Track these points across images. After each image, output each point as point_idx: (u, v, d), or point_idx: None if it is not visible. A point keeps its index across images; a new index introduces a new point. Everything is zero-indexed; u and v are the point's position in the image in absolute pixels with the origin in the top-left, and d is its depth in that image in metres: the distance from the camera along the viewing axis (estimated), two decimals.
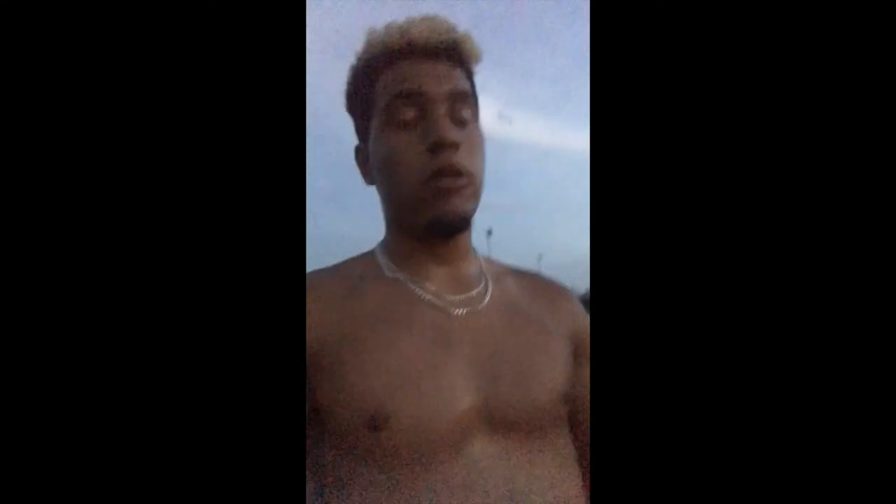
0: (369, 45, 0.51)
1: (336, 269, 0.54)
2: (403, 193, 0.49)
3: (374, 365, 0.44)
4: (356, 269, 0.53)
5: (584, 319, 0.56)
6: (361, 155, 0.55)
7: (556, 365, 0.50)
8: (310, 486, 0.45)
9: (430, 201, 0.48)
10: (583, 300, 0.60)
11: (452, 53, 0.50)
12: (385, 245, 0.55)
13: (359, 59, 0.52)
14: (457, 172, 0.47)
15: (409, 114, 0.48)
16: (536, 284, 0.58)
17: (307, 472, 0.45)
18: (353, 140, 0.57)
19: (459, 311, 0.49)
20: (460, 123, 0.49)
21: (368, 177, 0.55)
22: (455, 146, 0.47)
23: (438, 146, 0.46)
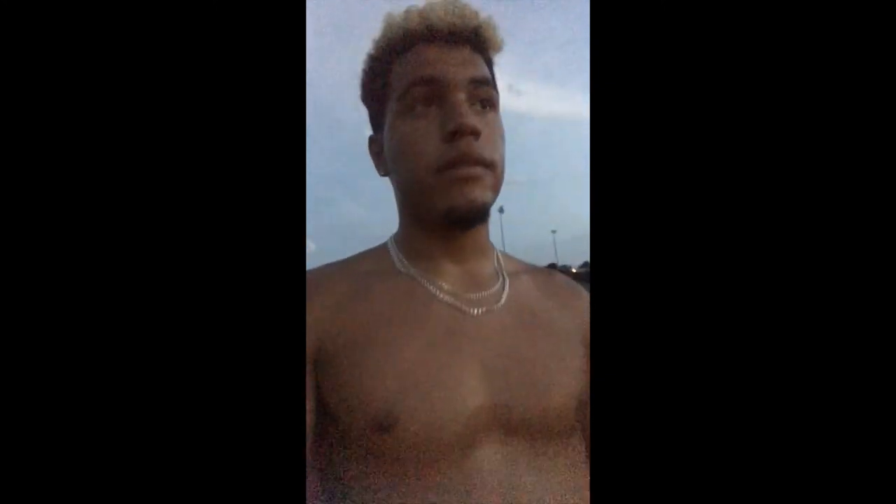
0: (388, 29, 0.49)
1: (348, 263, 0.53)
2: (419, 182, 0.47)
3: (384, 365, 0.43)
4: (368, 264, 0.52)
5: None
6: (375, 145, 0.54)
7: (569, 370, 0.48)
8: (317, 486, 0.45)
9: (446, 190, 0.46)
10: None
11: (474, 39, 0.48)
12: (398, 238, 0.54)
13: (376, 46, 0.50)
14: (476, 161, 0.45)
15: (428, 100, 0.46)
16: (552, 284, 0.57)
17: (315, 472, 0.45)
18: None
19: (476, 311, 0.48)
20: (481, 111, 0.48)
21: (382, 167, 0.53)
22: (475, 133, 0.45)
23: (458, 133, 0.45)
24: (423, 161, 0.46)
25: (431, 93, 0.46)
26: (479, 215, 0.48)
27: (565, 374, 0.47)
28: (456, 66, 0.47)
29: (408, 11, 0.48)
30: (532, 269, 0.58)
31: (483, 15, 0.49)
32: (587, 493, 0.45)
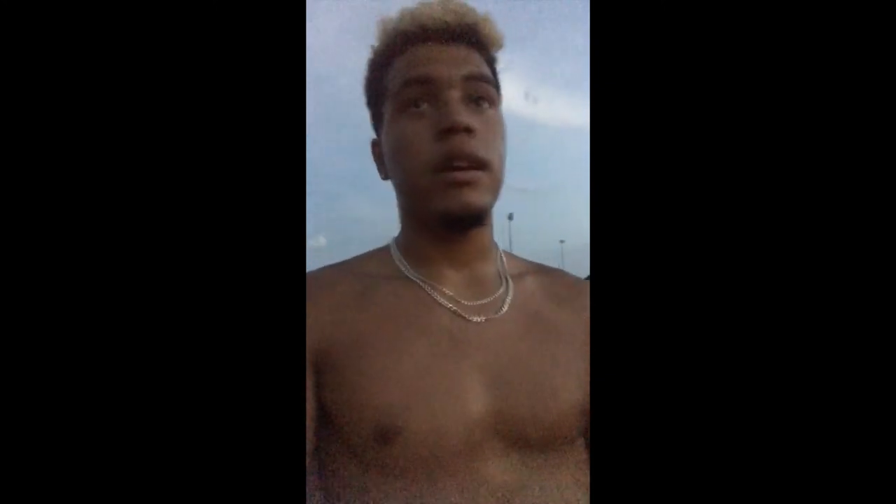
0: (383, 33, 0.49)
1: (350, 266, 0.53)
2: (414, 184, 0.46)
3: (385, 372, 0.43)
4: (371, 267, 0.51)
5: None
6: (377, 148, 0.53)
7: (574, 377, 0.47)
8: (316, 493, 0.44)
9: (441, 193, 0.45)
10: None
11: (470, 37, 0.48)
12: (400, 241, 0.53)
13: (374, 50, 0.51)
14: (470, 160, 0.44)
15: (421, 99, 0.46)
16: (558, 284, 0.55)
17: (314, 478, 0.45)
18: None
19: (478, 319, 0.47)
20: (477, 109, 0.47)
21: (384, 170, 0.53)
22: (469, 131, 0.44)
23: (450, 131, 0.44)
24: (417, 161, 0.45)
25: (425, 92, 0.46)
26: (475, 218, 0.47)
27: (570, 380, 0.46)
28: (449, 63, 0.46)
29: (401, 13, 0.48)
30: (538, 269, 0.57)
31: (480, 11, 0.48)
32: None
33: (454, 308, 0.48)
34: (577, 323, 0.51)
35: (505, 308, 0.49)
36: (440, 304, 0.48)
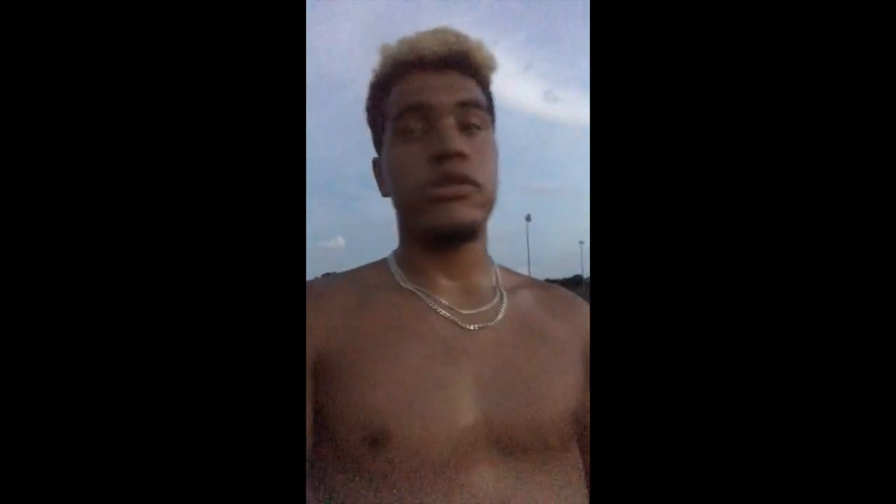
0: (383, 59, 0.52)
1: (349, 276, 0.54)
2: (408, 202, 0.49)
3: (379, 379, 0.44)
4: (369, 278, 0.53)
5: None
6: (378, 168, 0.56)
7: (567, 384, 0.48)
8: (310, 496, 0.45)
9: (432, 209, 0.47)
10: None
11: (463, 63, 0.50)
12: (398, 255, 0.55)
13: (375, 74, 0.53)
14: (462, 180, 0.47)
15: (417, 125, 0.48)
16: (553, 298, 0.57)
17: (308, 484, 0.45)
18: None
19: (473, 327, 0.49)
20: (470, 134, 0.49)
21: (384, 188, 0.55)
22: (461, 156, 0.46)
23: (443, 156, 0.46)
24: (412, 181, 0.48)
25: (421, 118, 0.48)
26: (465, 233, 0.49)
27: (563, 389, 0.47)
28: (443, 91, 0.48)
29: (400, 42, 0.50)
30: (532, 284, 0.59)
31: (472, 39, 0.51)
32: None
33: (450, 316, 0.49)
34: (571, 333, 0.52)
35: (499, 317, 0.50)
36: (436, 312, 0.49)
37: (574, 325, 0.53)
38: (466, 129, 0.49)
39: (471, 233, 0.50)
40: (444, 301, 0.50)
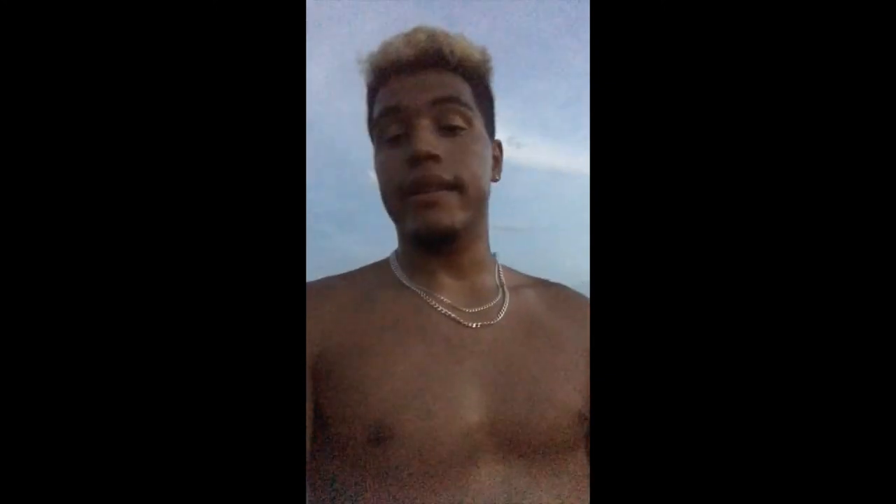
0: (369, 69, 0.52)
1: (351, 275, 0.54)
2: (391, 206, 0.50)
3: (381, 376, 0.43)
4: (371, 277, 0.53)
5: None
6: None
7: (572, 382, 0.47)
8: (312, 497, 0.44)
9: (409, 214, 0.47)
10: None
11: (438, 61, 0.49)
12: (399, 255, 0.54)
13: (367, 85, 0.54)
14: (436, 184, 0.46)
15: (395, 130, 0.48)
16: (558, 296, 0.56)
17: (309, 483, 0.44)
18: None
19: (475, 324, 0.48)
20: (449, 132, 0.48)
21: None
22: (434, 158, 0.46)
23: (415, 160, 0.46)
24: (391, 186, 0.48)
25: (398, 121, 0.48)
26: (446, 237, 0.48)
27: (567, 388, 0.47)
28: (416, 92, 0.48)
29: (379, 48, 0.51)
30: (536, 283, 0.58)
31: (447, 35, 0.50)
32: None
33: (451, 314, 0.48)
34: (575, 331, 0.51)
35: (502, 315, 0.50)
36: (437, 311, 0.49)
37: (579, 322, 0.53)
38: (447, 129, 0.48)
39: (453, 236, 0.49)
40: (445, 299, 0.50)
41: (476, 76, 0.52)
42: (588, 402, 0.47)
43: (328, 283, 0.52)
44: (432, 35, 0.49)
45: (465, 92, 0.50)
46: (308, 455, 0.44)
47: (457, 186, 0.47)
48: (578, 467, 0.46)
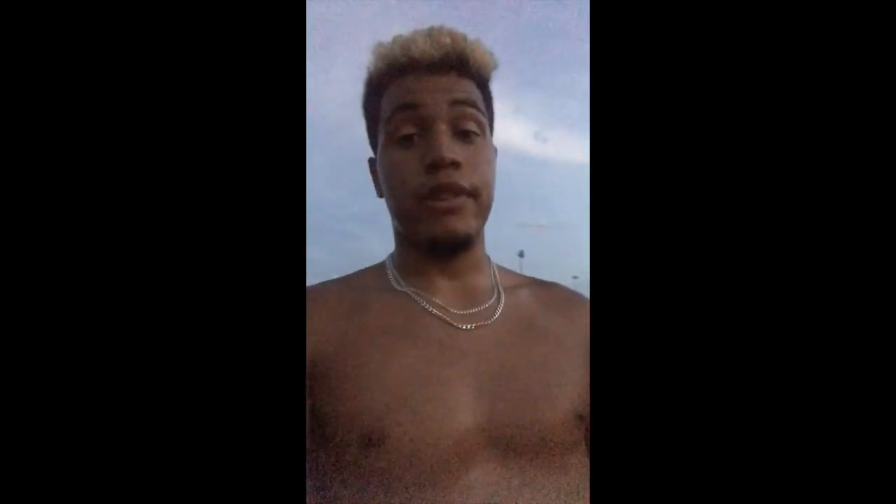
0: (376, 59, 0.51)
1: (346, 280, 0.54)
2: (402, 209, 0.49)
3: (374, 380, 0.43)
4: (365, 281, 0.53)
5: None
6: (374, 167, 0.55)
7: (568, 383, 0.46)
8: (307, 499, 0.44)
9: (425, 220, 0.47)
10: None
11: (459, 64, 0.49)
12: (394, 257, 0.54)
13: (369, 73, 0.52)
14: (456, 191, 0.46)
15: (409, 129, 0.48)
16: (554, 296, 0.56)
17: (307, 486, 0.44)
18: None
19: (468, 326, 0.48)
20: (464, 138, 0.48)
21: (379, 188, 0.54)
22: (455, 164, 0.46)
23: (436, 166, 0.46)
24: (406, 189, 0.48)
25: (414, 120, 0.48)
26: (461, 243, 0.49)
27: (564, 388, 0.46)
28: (436, 93, 0.47)
29: (393, 42, 0.50)
30: (532, 283, 0.58)
31: (468, 39, 0.50)
32: None
33: (445, 317, 0.48)
34: (572, 331, 0.51)
35: (496, 316, 0.50)
36: (431, 313, 0.49)
37: (575, 322, 0.52)
38: (463, 134, 0.48)
39: (466, 242, 0.50)
40: (437, 301, 0.50)
41: (486, 82, 0.52)
42: (586, 403, 0.46)
43: (323, 288, 0.52)
44: (455, 37, 0.49)
45: (479, 97, 0.50)
46: (305, 458, 0.44)
47: (473, 193, 0.47)
48: (575, 469, 0.45)
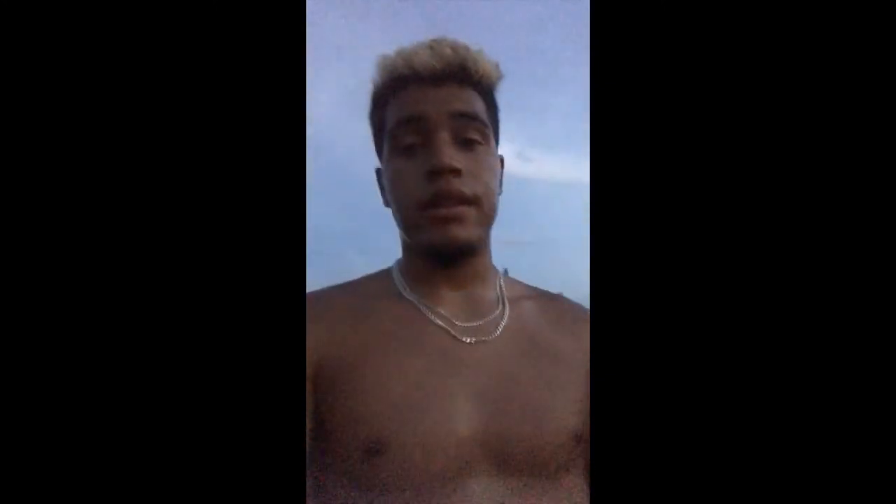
0: (380, 71, 0.51)
1: (351, 286, 0.54)
2: (405, 217, 0.49)
3: (376, 389, 0.44)
4: (371, 288, 0.53)
5: None
6: (380, 177, 0.55)
7: (569, 400, 0.46)
8: None
9: (426, 228, 0.47)
10: None
11: (461, 75, 0.49)
12: (401, 264, 0.55)
13: (373, 85, 0.53)
14: (456, 198, 0.46)
15: (412, 139, 0.48)
16: (559, 309, 0.56)
17: (308, 493, 0.45)
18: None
19: (469, 340, 0.48)
20: (466, 146, 0.48)
21: (385, 198, 0.54)
22: (455, 172, 0.46)
23: (436, 173, 0.46)
24: (409, 198, 0.48)
25: (417, 131, 0.48)
26: (463, 251, 0.49)
27: (564, 404, 0.46)
28: (437, 103, 0.48)
29: (396, 55, 0.50)
30: (538, 295, 0.57)
31: (471, 50, 0.50)
32: None
33: (448, 328, 0.49)
34: (576, 347, 0.51)
35: (499, 330, 0.50)
36: (435, 324, 0.49)
37: (579, 338, 0.52)
38: (464, 143, 0.48)
39: (470, 250, 0.50)
40: (442, 312, 0.50)
41: (490, 92, 0.53)
42: (585, 422, 0.46)
43: (327, 295, 0.52)
44: (457, 48, 0.49)
45: (482, 107, 0.51)
46: (306, 467, 0.44)
47: (474, 202, 0.47)
48: (572, 486, 0.45)
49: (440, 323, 0.49)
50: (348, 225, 7.37)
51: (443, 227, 0.47)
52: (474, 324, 0.50)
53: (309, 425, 0.45)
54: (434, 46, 0.49)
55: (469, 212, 0.47)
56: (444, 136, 0.47)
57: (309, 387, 0.45)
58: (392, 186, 0.50)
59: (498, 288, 0.55)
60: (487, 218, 0.50)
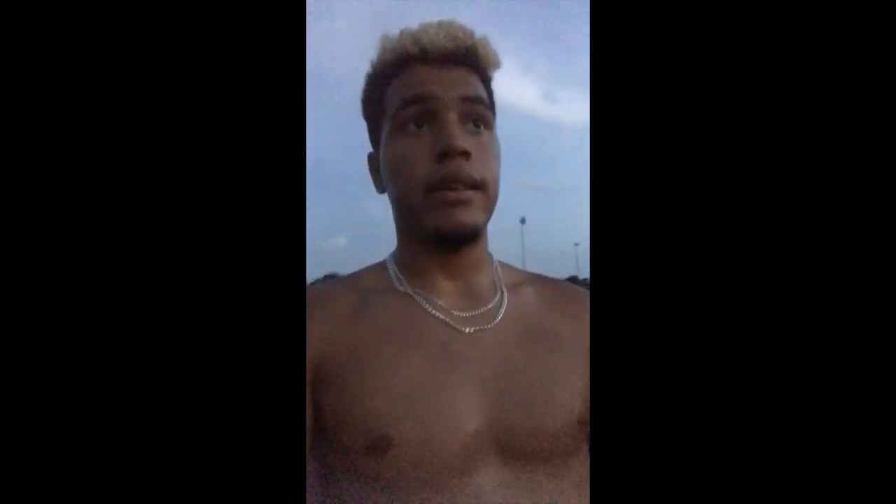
0: (383, 51, 0.50)
1: (349, 280, 0.54)
2: (409, 201, 0.48)
3: (378, 384, 0.43)
4: (368, 281, 0.53)
5: None
6: (374, 162, 0.55)
7: (572, 386, 0.46)
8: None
9: (435, 211, 0.46)
10: None
11: (467, 59, 0.49)
12: (396, 256, 0.54)
13: (373, 66, 0.52)
14: (465, 182, 0.46)
15: (420, 119, 0.47)
16: (559, 294, 0.55)
17: (311, 491, 0.45)
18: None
19: (470, 330, 0.48)
20: (473, 131, 0.48)
21: (380, 185, 0.54)
22: (465, 154, 0.46)
23: (447, 155, 0.45)
24: (413, 180, 0.47)
25: (423, 112, 0.47)
26: (468, 236, 0.49)
27: (567, 390, 0.46)
28: (447, 85, 0.47)
29: (402, 34, 0.49)
30: (535, 280, 0.57)
31: (477, 35, 0.50)
32: None
33: (447, 319, 0.48)
34: (576, 332, 0.51)
35: (498, 318, 0.49)
36: (433, 316, 0.49)
37: (581, 322, 0.51)
38: (470, 126, 0.48)
39: (473, 235, 0.49)
40: (440, 303, 0.49)
41: (489, 80, 0.52)
42: (587, 407, 0.46)
43: (325, 290, 0.52)
44: (467, 32, 0.49)
45: (485, 93, 0.50)
46: (307, 463, 0.45)
47: (482, 186, 0.47)
48: (578, 472, 0.45)
49: (439, 314, 0.49)
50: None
51: (450, 210, 0.46)
52: (473, 313, 0.49)
53: (310, 425, 0.45)
54: (444, 26, 0.48)
55: (476, 196, 0.47)
56: (454, 118, 0.47)
57: (311, 385, 0.45)
58: (394, 168, 0.49)
59: (495, 275, 0.54)
60: (491, 204, 0.49)
